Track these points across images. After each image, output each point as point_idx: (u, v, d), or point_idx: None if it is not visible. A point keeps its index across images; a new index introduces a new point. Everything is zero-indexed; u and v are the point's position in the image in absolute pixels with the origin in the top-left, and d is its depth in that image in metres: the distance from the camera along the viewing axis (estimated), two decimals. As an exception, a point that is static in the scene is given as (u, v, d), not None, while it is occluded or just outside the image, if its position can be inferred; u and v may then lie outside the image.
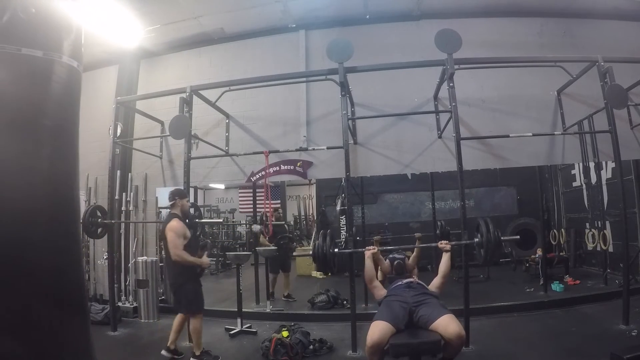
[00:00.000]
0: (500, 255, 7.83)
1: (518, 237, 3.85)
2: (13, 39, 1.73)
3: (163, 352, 3.72)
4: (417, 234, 5.14)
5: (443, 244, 3.29)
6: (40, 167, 1.80)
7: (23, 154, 1.74)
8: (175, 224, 3.62)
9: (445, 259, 3.24)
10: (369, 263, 3.28)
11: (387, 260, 3.66)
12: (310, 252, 3.35)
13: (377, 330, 2.70)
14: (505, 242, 3.34)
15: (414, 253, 4.09)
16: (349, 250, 3.77)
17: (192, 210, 4.24)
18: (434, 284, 3.20)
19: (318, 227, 9.17)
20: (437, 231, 5.63)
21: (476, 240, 3.28)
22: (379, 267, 3.69)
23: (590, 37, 5.23)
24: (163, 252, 4.06)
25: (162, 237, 3.76)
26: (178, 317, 3.79)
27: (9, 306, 1.61)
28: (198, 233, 4.40)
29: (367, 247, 3.37)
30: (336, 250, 3.35)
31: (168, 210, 4.07)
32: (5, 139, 1.70)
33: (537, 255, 6.38)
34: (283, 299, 5.95)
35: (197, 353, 3.68)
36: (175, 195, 3.84)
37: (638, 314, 4.04)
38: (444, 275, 3.19)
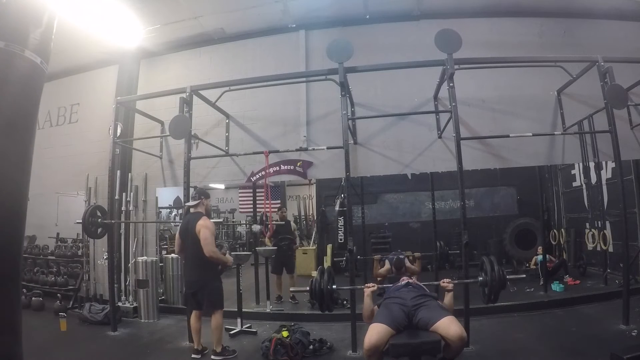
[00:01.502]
0: (500, 256, 7.81)
1: (524, 276, 3.76)
2: None
3: (194, 355, 3.79)
4: (417, 254, 5.01)
5: (445, 283, 3.15)
6: None
7: None
8: (208, 222, 3.74)
9: (448, 298, 3.10)
10: (367, 301, 3.16)
11: (387, 260, 3.66)
12: (307, 288, 3.26)
13: (375, 332, 2.69)
14: (510, 281, 3.15)
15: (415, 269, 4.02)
16: (348, 288, 3.70)
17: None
18: None
19: (318, 227, 9.17)
20: (437, 251, 5.57)
21: (480, 279, 3.18)
22: (380, 271, 3.68)
23: (590, 37, 5.23)
24: (174, 250, 4.06)
25: (187, 234, 3.78)
26: (195, 318, 3.81)
27: None
28: None
29: (366, 285, 3.25)
30: (334, 287, 3.25)
31: (183, 209, 4.16)
32: None
33: (537, 257, 6.39)
34: (290, 300, 5.94)
35: (219, 350, 3.73)
36: (202, 195, 3.96)
37: (638, 314, 4.04)
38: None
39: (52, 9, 1.94)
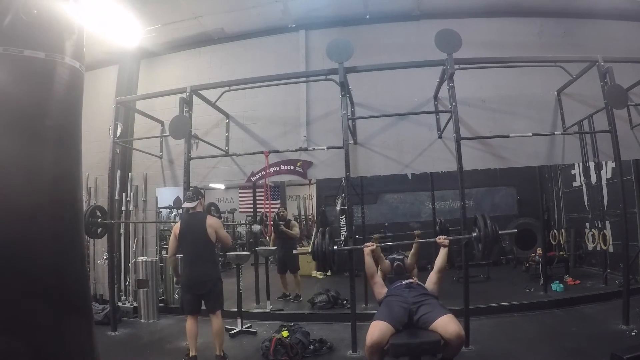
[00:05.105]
0: (500, 253, 7.84)
1: (516, 230, 3.84)
2: (15, 40, 1.74)
3: None
4: (416, 231, 5.13)
5: (441, 239, 3.30)
6: (43, 167, 1.80)
7: (26, 154, 1.75)
8: (217, 220, 3.96)
9: (442, 253, 3.25)
10: (368, 260, 3.31)
11: (387, 260, 3.66)
12: (310, 250, 3.36)
13: (377, 330, 2.71)
14: (503, 236, 3.33)
15: (413, 250, 4.08)
16: (348, 248, 3.78)
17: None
18: (431, 280, 3.21)
19: (318, 227, 9.16)
20: (437, 227, 5.61)
21: (474, 234, 3.27)
22: (379, 267, 3.69)
23: (590, 37, 5.23)
24: (169, 252, 4.00)
25: (191, 235, 3.72)
26: (194, 322, 3.67)
27: (10, 306, 1.61)
28: None
29: (365, 244, 3.38)
30: (335, 247, 3.36)
31: (180, 209, 4.19)
32: (8, 139, 1.71)
33: (536, 255, 6.40)
34: (291, 300, 5.96)
35: (222, 354, 3.70)
36: (199, 195, 3.97)
37: (638, 314, 4.04)
38: (440, 269, 3.20)
39: (81, 14, 2.04)
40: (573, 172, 7.40)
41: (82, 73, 2.02)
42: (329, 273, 7.24)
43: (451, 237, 3.41)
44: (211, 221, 3.79)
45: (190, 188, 4.20)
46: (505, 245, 7.98)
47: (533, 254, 6.57)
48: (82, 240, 2.06)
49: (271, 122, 5.59)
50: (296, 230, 6.25)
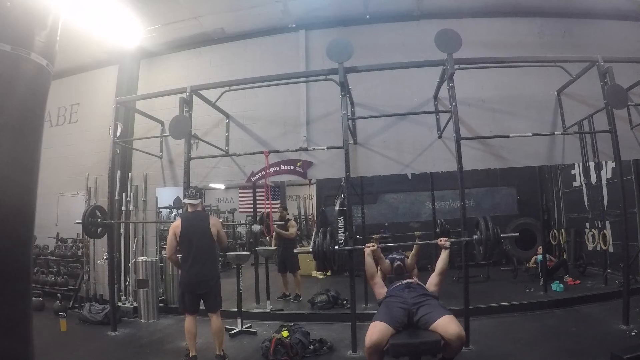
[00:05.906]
0: (500, 256, 7.83)
1: (517, 234, 3.84)
2: None
3: None
4: (417, 232, 5.15)
5: (443, 241, 3.31)
6: None
7: None
8: (218, 219, 4.10)
9: (443, 256, 3.25)
10: (369, 260, 3.33)
11: (387, 260, 3.66)
12: (310, 250, 3.37)
13: (376, 330, 2.71)
14: (504, 239, 3.36)
15: (413, 251, 4.09)
16: (349, 248, 3.79)
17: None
18: (431, 282, 3.21)
19: (318, 227, 9.16)
20: (437, 229, 5.63)
21: (475, 237, 3.27)
22: (379, 267, 3.69)
23: (590, 37, 5.23)
24: (167, 253, 3.94)
25: (196, 234, 3.70)
26: (191, 322, 3.64)
27: None
28: None
29: (366, 245, 3.39)
30: (336, 247, 3.36)
31: (179, 209, 4.21)
32: None
33: (537, 257, 6.39)
34: (291, 300, 5.97)
35: (222, 353, 3.70)
36: (201, 194, 4.01)
37: (638, 314, 4.04)
38: (441, 272, 3.20)
39: (56, 10, 1.94)
40: (573, 172, 7.40)
41: (49, 72, 1.92)
42: (329, 273, 7.24)
43: (452, 240, 3.40)
44: (214, 220, 3.86)
45: (191, 187, 4.21)
46: (507, 248, 7.97)
47: (532, 264, 6.53)
48: (30, 252, 1.94)
49: (271, 122, 5.59)
50: (291, 230, 6.21)
